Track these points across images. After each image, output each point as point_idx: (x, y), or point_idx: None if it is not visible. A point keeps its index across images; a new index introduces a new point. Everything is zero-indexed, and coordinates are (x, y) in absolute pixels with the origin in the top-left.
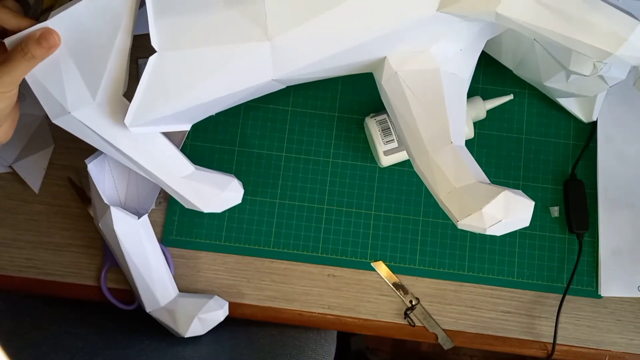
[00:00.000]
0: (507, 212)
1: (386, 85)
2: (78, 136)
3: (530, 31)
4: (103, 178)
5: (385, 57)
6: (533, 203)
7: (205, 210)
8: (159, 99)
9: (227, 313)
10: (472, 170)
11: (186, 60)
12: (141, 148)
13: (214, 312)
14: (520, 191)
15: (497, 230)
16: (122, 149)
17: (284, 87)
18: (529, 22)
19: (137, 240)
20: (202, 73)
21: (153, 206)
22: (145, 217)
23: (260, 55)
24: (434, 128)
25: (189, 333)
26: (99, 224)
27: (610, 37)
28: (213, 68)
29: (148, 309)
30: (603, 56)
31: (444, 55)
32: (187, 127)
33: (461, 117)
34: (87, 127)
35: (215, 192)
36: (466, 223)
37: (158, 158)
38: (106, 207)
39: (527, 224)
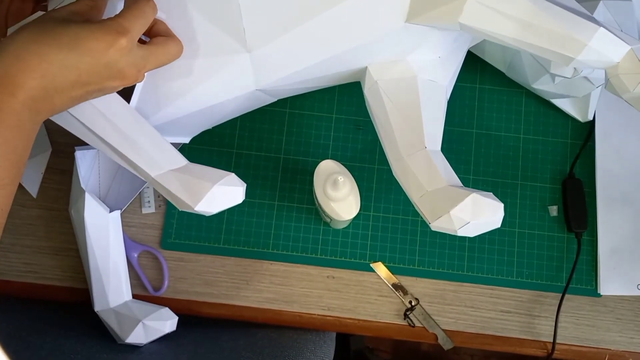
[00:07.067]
0: (475, 214)
1: (368, 94)
2: (62, 125)
3: (495, 39)
4: (89, 172)
5: (366, 67)
6: (502, 205)
7: (196, 208)
8: (152, 108)
9: (173, 328)
10: (444, 174)
11: (174, 72)
12: (125, 135)
13: (161, 322)
14: (491, 193)
15: (468, 232)
16: (104, 135)
17: (275, 100)
18: (492, 31)
19: (103, 233)
20: (189, 84)
21: (126, 206)
22: (117, 214)
23: (241, 66)
24: (409, 134)
25: (130, 338)
26: (71, 210)
27: (571, 42)
28: (199, 79)
29: (96, 308)
30: (566, 61)
31: (422, 64)
32: (186, 140)
33: (439, 121)
34: (70, 114)
35: (206, 186)
36: (437, 225)
37: (144, 147)
38: (81, 192)
39: (498, 225)
